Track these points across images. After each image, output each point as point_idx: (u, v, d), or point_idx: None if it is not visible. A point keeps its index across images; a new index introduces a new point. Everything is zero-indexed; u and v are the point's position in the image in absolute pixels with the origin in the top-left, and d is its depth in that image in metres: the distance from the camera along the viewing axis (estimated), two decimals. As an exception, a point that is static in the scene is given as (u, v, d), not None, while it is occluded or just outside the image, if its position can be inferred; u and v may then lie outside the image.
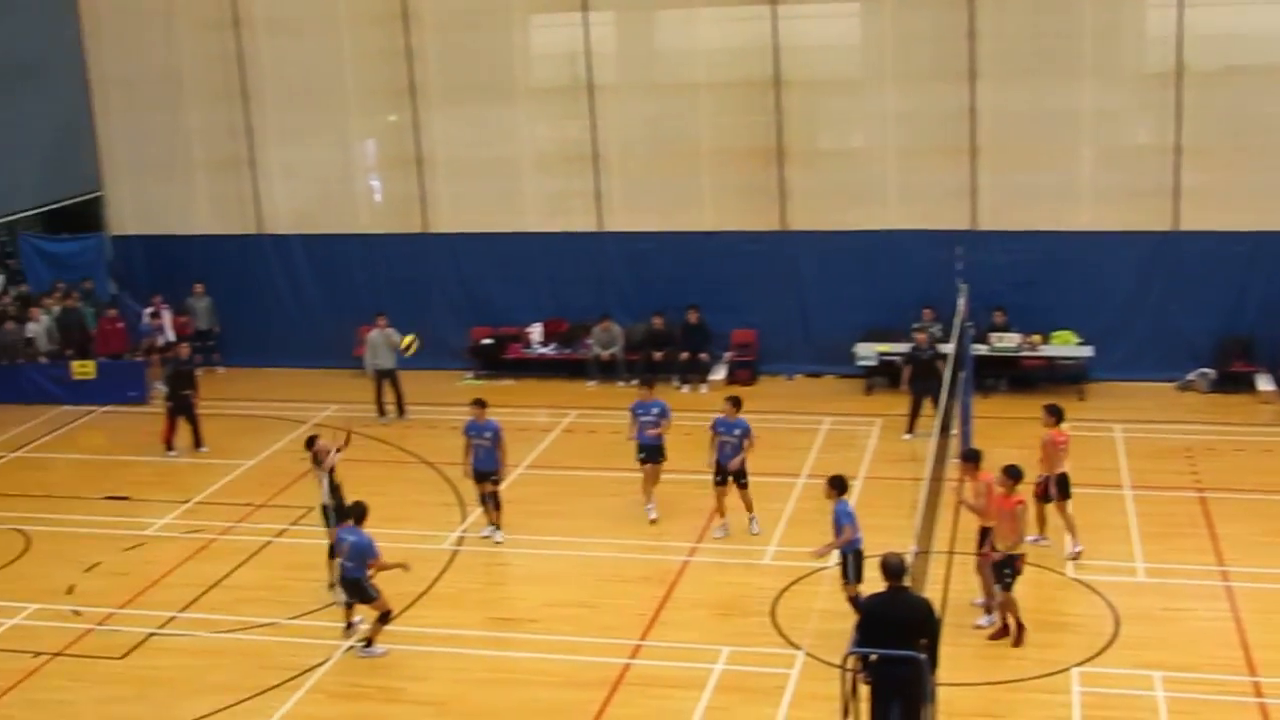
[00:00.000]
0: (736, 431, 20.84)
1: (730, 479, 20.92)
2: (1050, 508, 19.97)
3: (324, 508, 19.77)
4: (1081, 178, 28.01)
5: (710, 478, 21.09)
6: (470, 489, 22.00)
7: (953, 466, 19.87)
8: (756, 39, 28.35)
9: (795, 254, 28.94)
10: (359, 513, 18.10)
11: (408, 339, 25.56)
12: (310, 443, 20.32)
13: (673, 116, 29.47)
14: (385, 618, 18.00)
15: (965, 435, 22.45)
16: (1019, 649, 17.35)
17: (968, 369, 23.06)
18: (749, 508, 21.14)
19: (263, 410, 28.43)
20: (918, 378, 24.92)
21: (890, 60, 28.19)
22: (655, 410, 21.66)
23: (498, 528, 21.50)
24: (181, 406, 26.09)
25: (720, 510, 21.29)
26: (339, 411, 27.94)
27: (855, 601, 16.82)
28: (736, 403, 21.08)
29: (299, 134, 31.50)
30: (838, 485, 17.79)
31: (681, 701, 16.47)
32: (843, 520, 17.54)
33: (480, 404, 21.47)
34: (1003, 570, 17.34)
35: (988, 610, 18.03)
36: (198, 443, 26.27)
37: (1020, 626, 17.49)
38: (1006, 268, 27.67)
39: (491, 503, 21.43)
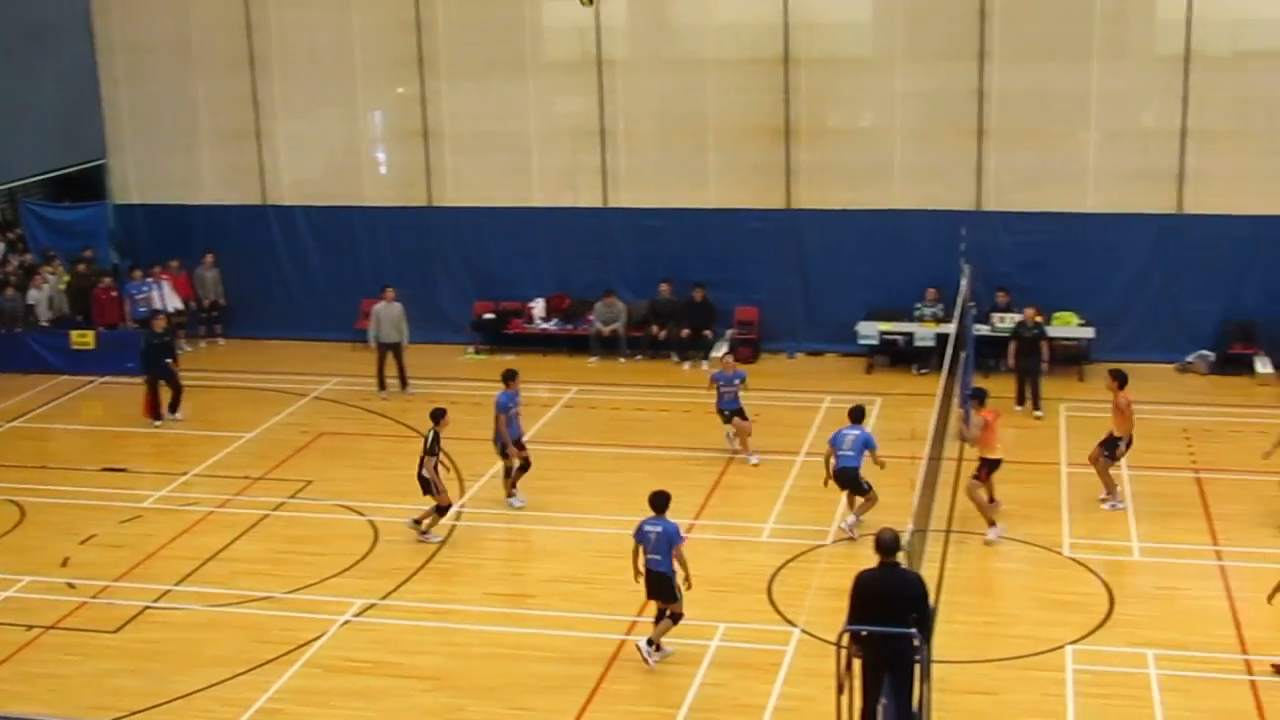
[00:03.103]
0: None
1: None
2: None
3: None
4: (1087, 159, 27.95)
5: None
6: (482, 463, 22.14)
7: (951, 445, 19.93)
8: (768, 16, 28.33)
9: (800, 232, 28.93)
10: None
11: None
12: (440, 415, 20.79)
13: (682, 93, 29.39)
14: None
15: (968, 414, 22.38)
16: (1014, 627, 17.33)
17: (969, 349, 23.05)
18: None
19: (263, 383, 28.39)
20: (1021, 354, 25.18)
21: (901, 39, 28.19)
22: (737, 380, 23.32)
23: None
24: (161, 375, 26.03)
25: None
26: (340, 385, 27.95)
27: None
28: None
29: (306, 104, 31.50)
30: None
31: (677, 677, 16.49)
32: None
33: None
34: None
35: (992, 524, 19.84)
36: (174, 407, 26.16)
37: None
38: (1011, 249, 27.83)
39: None
